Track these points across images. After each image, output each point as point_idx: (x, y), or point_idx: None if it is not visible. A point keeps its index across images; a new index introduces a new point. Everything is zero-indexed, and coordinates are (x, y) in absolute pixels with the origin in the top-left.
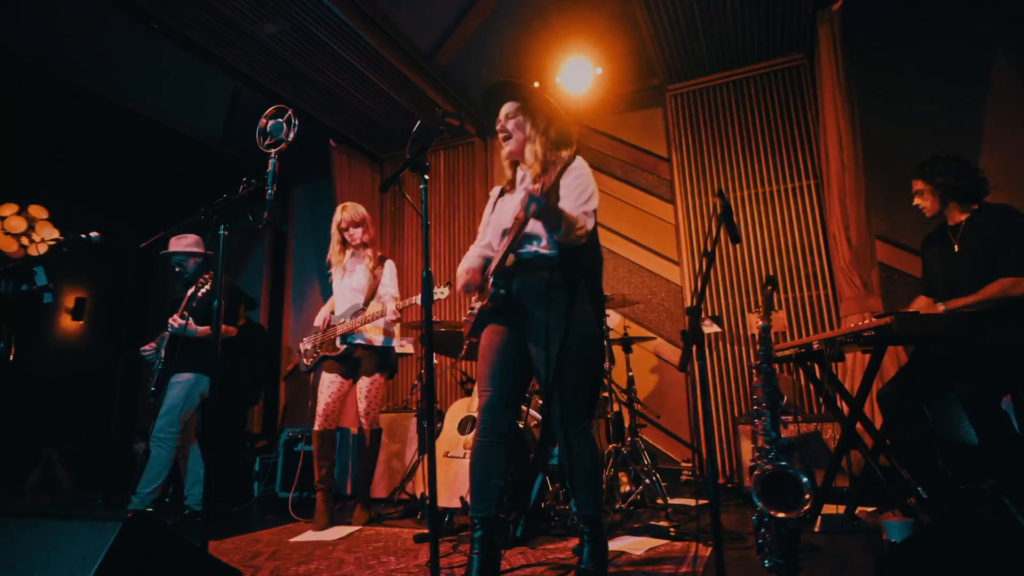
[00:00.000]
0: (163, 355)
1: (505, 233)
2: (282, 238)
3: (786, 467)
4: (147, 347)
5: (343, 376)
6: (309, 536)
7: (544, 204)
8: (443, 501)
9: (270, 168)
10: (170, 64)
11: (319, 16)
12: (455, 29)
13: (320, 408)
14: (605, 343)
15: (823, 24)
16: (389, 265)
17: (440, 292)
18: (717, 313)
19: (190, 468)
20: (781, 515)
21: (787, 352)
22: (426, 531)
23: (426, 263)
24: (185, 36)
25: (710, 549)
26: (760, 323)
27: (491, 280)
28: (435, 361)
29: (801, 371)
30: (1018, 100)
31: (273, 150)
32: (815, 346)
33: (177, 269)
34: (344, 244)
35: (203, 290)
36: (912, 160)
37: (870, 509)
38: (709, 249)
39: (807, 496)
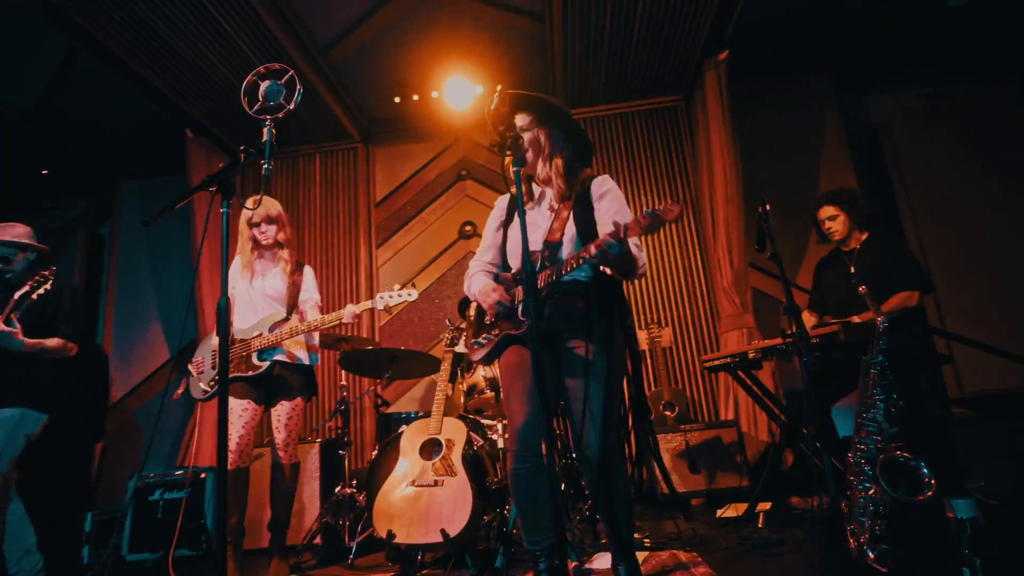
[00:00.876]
0: None
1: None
2: (98, 242)
3: (911, 457)
4: None
5: (256, 401)
6: None
7: (622, 250)
8: (414, 536)
9: (265, 138)
10: None
11: None
12: (357, 28)
13: (232, 441)
14: None
15: (710, 70)
16: (309, 271)
17: (408, 295)
18: None
19: (12, 536)
20: (919, 498)
21: (723, 361)
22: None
23: (526, 257)
24: None
25: (694, 554)
26: (879, 320)
27: (520, 305)
28: (343, 382)
29: (735, 379)
30: (841, 148)
31: (268, 116)
32: (751, 355)
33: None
34: (255, 243)
35: (38, 293)
36: (772, 194)
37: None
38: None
39: (931, 482)
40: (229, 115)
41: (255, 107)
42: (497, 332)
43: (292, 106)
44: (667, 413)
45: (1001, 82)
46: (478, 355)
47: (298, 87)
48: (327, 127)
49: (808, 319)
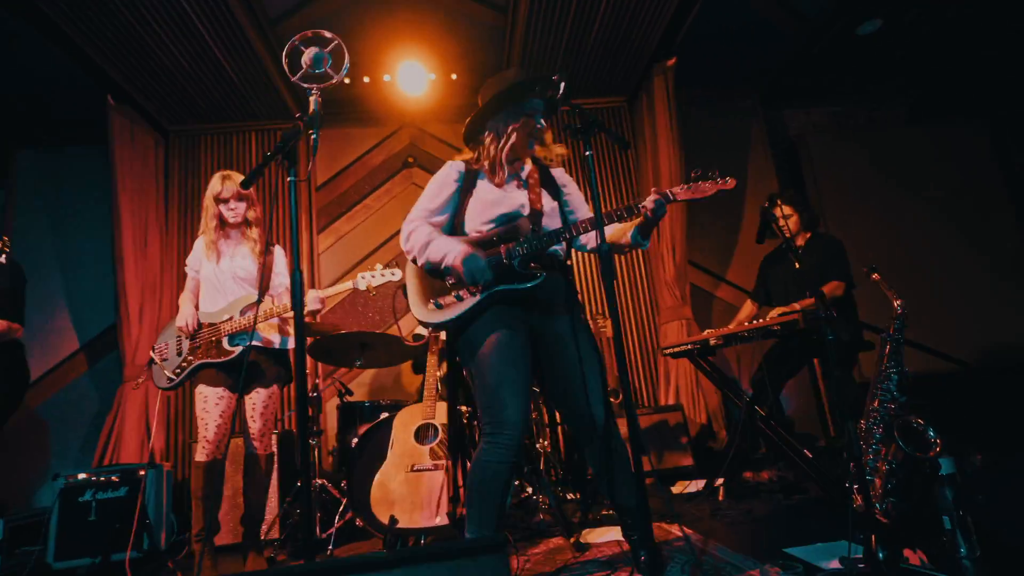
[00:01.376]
0: None
1: (504, 219)
2: None
3: (923, 423)
4: None
5: (231, 389)
6: None
7: (665, 212)
8: (418, 520)
9: (313, 108)
10: None
11: None
12: (312, 3)
13: (210, 432)
14: None
15: (659, 75)
16: (280, 252)
17: (392, 274)
18: None
19: None
20: (931, 454)
21: (683, 348)
22: None
23: (601, 236)
24: None
25: (676, 524)
26: (896, 303)
27: (516, 261)
28: (307, 370)
29: (696, 365)
30: (766, 156)
31: (315, 85)
32: (712, 342)
33: None
34: (219, 222)
35: None
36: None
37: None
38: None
39: (937, 441)
40: (159, 84)
41: (297, 74)
42: (480, 287)
43: (338, 77)
44: (612, 400)
45: (893, 104)
46: (448, 314)
47: (346, 59)
48: (266, 103)
49: (748, 308)
